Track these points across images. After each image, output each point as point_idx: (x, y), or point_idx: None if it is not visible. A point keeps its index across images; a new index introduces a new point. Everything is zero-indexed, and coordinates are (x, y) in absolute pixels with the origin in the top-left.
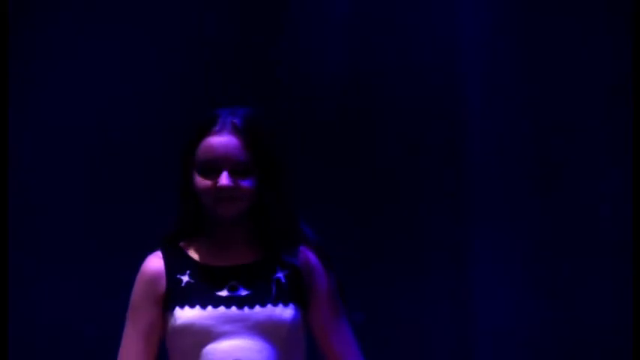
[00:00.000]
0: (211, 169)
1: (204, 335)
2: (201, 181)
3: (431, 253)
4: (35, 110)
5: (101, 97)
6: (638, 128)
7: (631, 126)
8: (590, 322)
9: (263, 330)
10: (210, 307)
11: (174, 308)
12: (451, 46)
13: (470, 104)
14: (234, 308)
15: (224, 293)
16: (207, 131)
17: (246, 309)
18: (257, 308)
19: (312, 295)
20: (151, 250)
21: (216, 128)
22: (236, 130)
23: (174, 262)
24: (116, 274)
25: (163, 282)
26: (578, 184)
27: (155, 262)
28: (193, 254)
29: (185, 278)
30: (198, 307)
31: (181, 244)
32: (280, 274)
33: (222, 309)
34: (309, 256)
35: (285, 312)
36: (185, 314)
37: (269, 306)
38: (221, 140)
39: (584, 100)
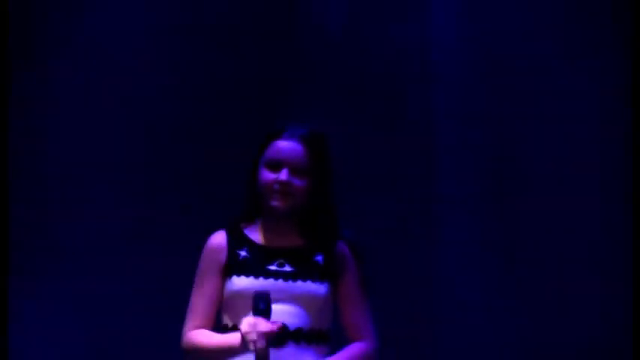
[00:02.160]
0: (275, 165)
1: None
2: (266, 174)
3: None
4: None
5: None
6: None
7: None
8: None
9: (301, 300)
10: (261, 278)
11: (232, 276)
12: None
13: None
14: (280, 280)
15: (273, 268)
16: (278, 136)
17: (290, 282)
18: (299, 282)
19: (341, 278)
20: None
21: (286, 135)
22: (301, 139)
23: (235, 240)
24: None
25: (225, 254)
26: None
27: (220, 237)
28: (251, 235)
29: (243, 253)
30: (252, 277)
31: (242, 226)
32: (319, 257)
33: (271, 280)
34: (343, 248)
35: (320, 288)
36: (241, 281)
37: (308, 282)
38: (287, 144)
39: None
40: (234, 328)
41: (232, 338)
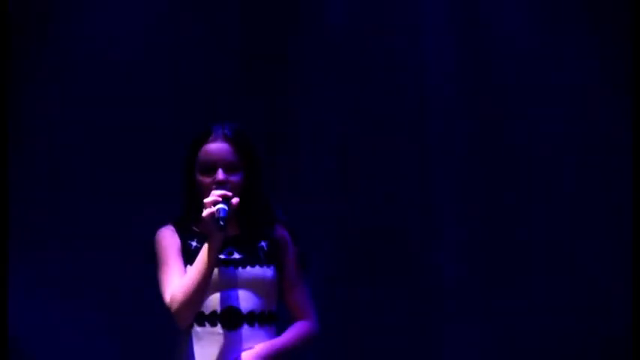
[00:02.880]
0: (209, 168)
1: (210, 286)
2: (203, 179)
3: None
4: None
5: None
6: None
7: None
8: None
9: (252, 284)
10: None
11: (186, 265)
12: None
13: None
14: (231, 268)
15: (223, 256)
16: (206, 140)
17: (240, 268)
18: (248, 268)
19: (283, 259)
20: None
21: (212, 137)
22: (227, 138)
23: (184, 233)
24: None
25: (179, 242)
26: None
27: (170, 229)
28: (197, 230)
29: (194, 243)
30: None
31: (186, 221)
32: (263, 244)
33: (222, 268)
34: (281, 231)
35: (267, 271)
36: None
37: (256, 266)
38: (216, 146)
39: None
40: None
41: (202, 250)
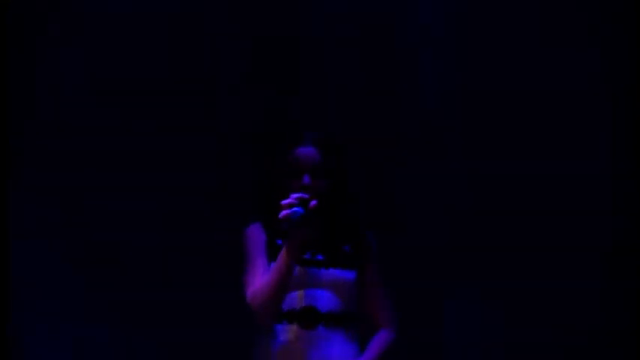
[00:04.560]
0: (296, 172)
1: (291, 285)
2: (289, 181)
3: None
4: None
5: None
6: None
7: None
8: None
9: (332, 285)
10: (297, 265)
11: (271, 264)
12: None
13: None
14: (313, 268)
15: (306, 256)
16: (295, 144)
17: (322, 269)
18: (330, 269)
19: (366, 264)
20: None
21: (301, 142)
22: (315, 144)
23: (272, 231)
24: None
25: (265, 240)
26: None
27: (258, 227)
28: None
29: (280, 242)
30: None
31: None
32: (347, 247)
33: (305, 267)
34: (367, 237)
35: (348, 274)
36: None
37: (338, 269)
38: (304, 151)
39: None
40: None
41: (282, 251)
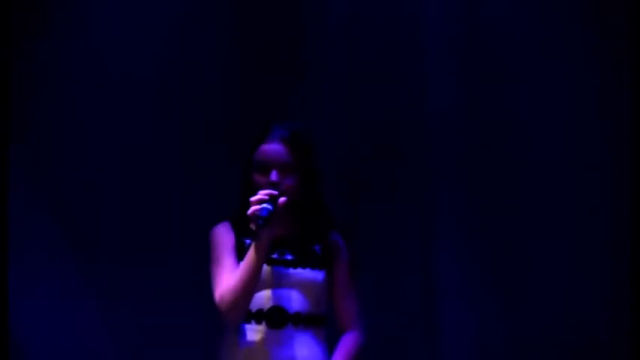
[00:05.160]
0: (264, 168)
1: (259, 284)
2: (258, 178)
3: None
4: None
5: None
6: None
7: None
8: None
9: (300, 285)
10: (265, 265)
11: (239, 262)
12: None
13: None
14: (281, 267)
15: (275, 256)
16: (263, 140)
17: (290, 269)
18: (299, 269)
19: (335, 265)
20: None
21: (269, 137)
22: (283, 140)
23: (240, 230)
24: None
25: (233, 239)
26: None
27: (227, 226)
28: (253, 227)
29: (248, 242)
30: None
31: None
32: (316, 247)
33: (273, 267)
34: (338, 238)
35: (318, 274)
36: None
37: (307, 269)
38: (272, 147)
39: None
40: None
41: (250, 250)
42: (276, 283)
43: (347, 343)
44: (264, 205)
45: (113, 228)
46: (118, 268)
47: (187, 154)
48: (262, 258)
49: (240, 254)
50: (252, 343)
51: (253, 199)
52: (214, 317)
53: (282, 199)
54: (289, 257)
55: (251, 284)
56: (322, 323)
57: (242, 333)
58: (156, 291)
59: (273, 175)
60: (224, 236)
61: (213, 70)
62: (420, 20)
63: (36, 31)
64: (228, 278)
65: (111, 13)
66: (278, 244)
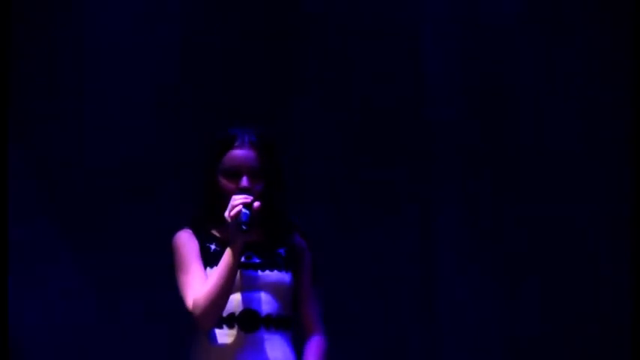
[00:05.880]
0: (234, 174)
1: None
2: (226, 184)
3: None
4: None
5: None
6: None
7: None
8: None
9: (270, 288)
10: None
11: (205, 268)
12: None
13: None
14: (250, 270)
15: (242, 260)
16: (231, 145)
17: (259, 272)
18: (267, 272)
19: (300, 267)
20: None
21: (237, 143)
22: (253, 145)
23: (202, 236)
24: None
25: (197, 245)
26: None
27: (188, 232)
28: (215, 233)
29: (213, 247)
30: None
31: (205, 227)
32: (281, 250)
33: (242, 270)
34: (300, 240)
35: (285, 276)
36: None
37: (275, 271)
38: (242, 152)
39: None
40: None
41: (225, 254)
42: (245, 287)
43: (315, 348)
44: (243, 210)
45: (113, 228)
46: (118, 268)
47: (187, 154)
48: (238, 262)
49: (205, 260)
50: (224, 347)
51: (234, 202)
52: (183, 322)
53: (256, 204)
54: (256, 260)
55: (227, 290)
56: (290, 325)
57: (213, 337)
58: (156, 291)
59: (244, 181)
60: (188, 243)
61: (213, 70)
62: (420, 19)
63: (36, 31)
64: (199, 284)
65: (111, 13)
66: (244, 247)
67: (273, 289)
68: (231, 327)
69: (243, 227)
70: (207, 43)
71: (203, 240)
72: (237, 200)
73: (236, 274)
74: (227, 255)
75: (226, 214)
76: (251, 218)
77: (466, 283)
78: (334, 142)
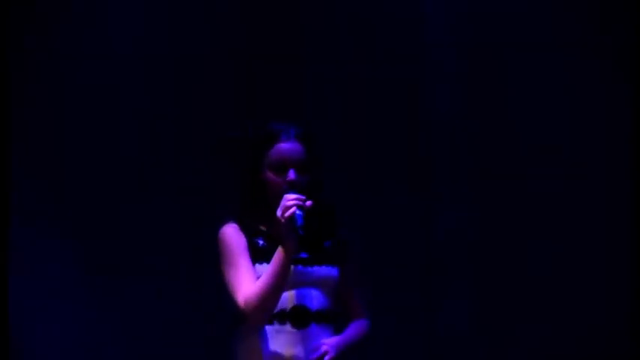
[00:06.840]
0: (281, 167)
1: None
2: (274, 177)
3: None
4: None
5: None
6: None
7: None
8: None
9: (320, 283)
10: None
11: (254, 264)
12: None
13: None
14: (299, 266)
15: None
16: (277, 139)
17: (308, 267)
18: (315, 267)
19: (346, 259)
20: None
21: (283, 137)
22: (299, 139)
23: (249, 230)
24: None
25: (245, 240)
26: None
27: (234, 226)
28: (262, 228)
29: (260, 242)
30: None
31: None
32: (327, 244)
33: (292, 266)
34: (345, 234)
35: (333, 271)
36: (264, 268)
37: (323, 266)
38: (288, 145)
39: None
40: None
41: (277, 253)
42: (296, 282)
43: (356, 326)
44: (297, 212)
45: (113, 228)
46: (118, 267)
47: (187, 154)
48: (290, 262)
49: (254, 255)
50: (276, 344)
51: (287, 203)
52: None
53: (308, 203)
54: (305, 256)
55: (281, 287)
56: (338, 319)
57: (264, 335)
58: (156, 291)
59: (292, 174)
60: (235, 238)
61: (213, 70)
62: (421, 18)
63: (36, 30)
64: (249, 280)
65: (111, 12)
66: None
67: (322, 284)
68: (282, 323)
69: (300, 232)
70: (209, 42)
71: (250, 235)
72: (290, 201)
73: (289, 273)
74: (280, 254)
75: (279, 213)
76: (305, 219)
77: (466, 283)
78: (333, 147)
